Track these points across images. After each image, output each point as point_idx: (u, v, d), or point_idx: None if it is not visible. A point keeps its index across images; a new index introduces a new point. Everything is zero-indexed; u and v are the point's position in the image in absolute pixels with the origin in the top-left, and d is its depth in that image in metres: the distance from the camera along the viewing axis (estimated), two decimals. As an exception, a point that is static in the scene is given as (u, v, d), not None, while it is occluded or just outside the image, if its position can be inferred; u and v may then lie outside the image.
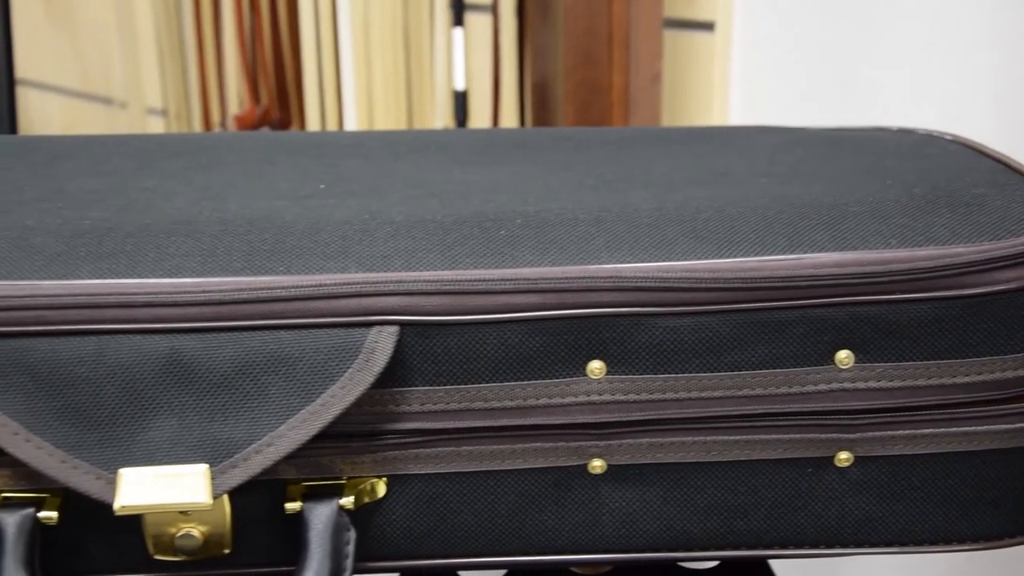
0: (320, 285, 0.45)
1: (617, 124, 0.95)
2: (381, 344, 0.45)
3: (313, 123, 1.21)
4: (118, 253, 0.46)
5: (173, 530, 0.47)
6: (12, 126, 1.36)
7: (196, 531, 0.47)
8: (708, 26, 1.00)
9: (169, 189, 0.54)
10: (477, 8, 1.07)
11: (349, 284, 0.45)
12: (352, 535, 0.46)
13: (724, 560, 0.51)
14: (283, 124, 1.33)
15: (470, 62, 1.07)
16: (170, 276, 0.45)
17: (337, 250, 0.47)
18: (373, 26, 1.14)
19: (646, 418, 0.47)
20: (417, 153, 0.61)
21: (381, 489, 0.47)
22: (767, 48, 0.99)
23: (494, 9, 1.05)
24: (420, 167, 0.58)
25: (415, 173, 0.57)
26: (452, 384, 0.46)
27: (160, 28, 1.56)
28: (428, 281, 0.45)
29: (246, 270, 0.46)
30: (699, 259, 0.46)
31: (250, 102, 1.33)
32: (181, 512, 0.46)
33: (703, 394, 0.47)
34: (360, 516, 0.47)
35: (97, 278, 0.45)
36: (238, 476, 0.44)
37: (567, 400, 0.46)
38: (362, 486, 0.47)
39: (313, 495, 0.46)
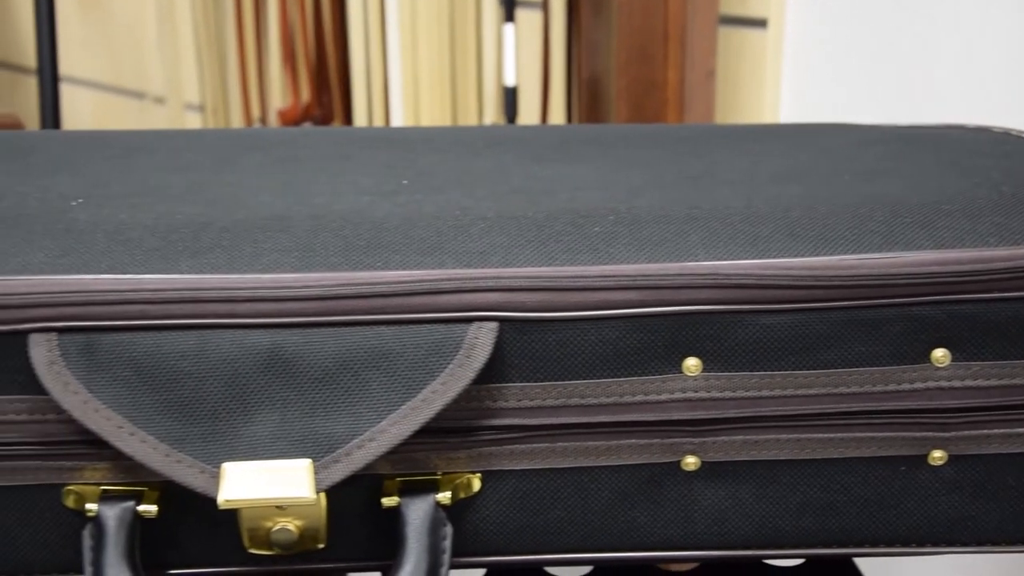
0: (420, 281, 0.45)
1: (671, 121, 0.95)
2: (481, 340, 0.45)
3: (360, 118, 1.21)
4: (215, 248, 0.46)
5: (269, 524, 0.47)
6: (56, 121, 1.36)
7: (292, 525, 0.47)
8: (761, 23, 1.00)
9: (253, 184, 0.54)
10: (526, 4, 1.07)
11: (449, 280, 0.45)
12: (449, 530, 0.46)
13: (812, 558, 0.51)
14: (325, 119, 1.33)
15: (518, 58, 1.07)
16: (268, 271, 0.45)
17: (432, 246, 0.47)
18: (420, 22, 1.14)
19: (741, 415, 0.47)
20: (493, 148, 0.62)
21: (476, 485, 0.47)
22: (819, 45, 0.99)
23: (544, 5, 1.05)
24: (499, 163, 0.58)
25: (495, 169, 0.57)
26: (549, 380, 0.46)
27: (198, 24, 1.57)
28: (527, 277, 0.45)
29: (343, 265, 0.46)
30: (795, 256, 0.46)
31: (293, 97, 1.33)
32: (278, 507, 0.46)
33: (799, 391, 0.47)
34: (454, 511, 0.47)
35: (196, 273, 0.45)
36: (340, 471, 0.44)
37: (663, 397, 0.47)
38: (458, 481, 0.47)
39: (409, 490, 0.46)
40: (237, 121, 1.57)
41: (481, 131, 0.66)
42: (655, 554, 0.49)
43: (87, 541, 0.45)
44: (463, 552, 0.48)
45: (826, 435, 0.47)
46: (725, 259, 0.46)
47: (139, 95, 1.99)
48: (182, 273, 0.45)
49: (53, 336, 0.44)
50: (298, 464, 0.44)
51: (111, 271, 0.45)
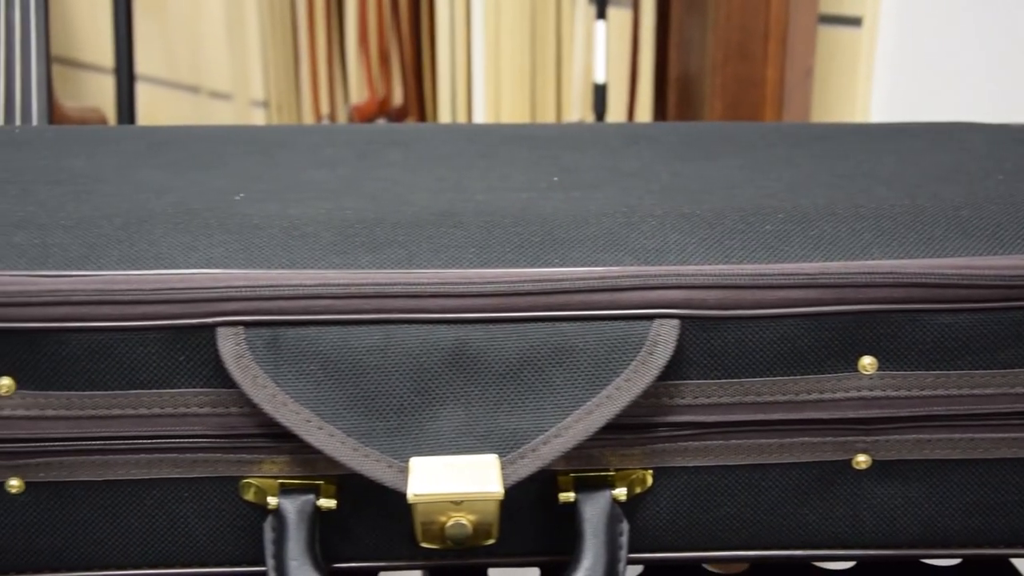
0: (602, 277, 0.45)
1: (769, 119, 0.95)
2: (664, 337, 0.45)
3: (444, 113, 1.21)
4: (393, 243, 0.46)
5: (443, 519, 0.47)
6: (131, 117, 1.37)
7: (466, 520, 0.47)
8: (855, 21, 1.00)
9: (408, 181, 0.55)
10: (616, 2, 1.07)
11: (630, 277, 0.45)
12: (625, 527, 0.46)
13: (972, 558, 0.51)
14: (400, 115, 1.33)
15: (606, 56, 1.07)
16: (448, 267, 0.46)
17: (608, 243, 0.47)
18: (504, 20, 1.14)
19: (915, 414, 0.47)
20: (631, 146, 0.62)
21: (648, 481, 0.47)
22: (912, 44, 0.99)
23: (635, 3, 1.05)
24: (642, 160, 0.59)
25: (642, 166, 0.57)
26: (726, 378, 0.46)
27: (265, 21, 1.57)
28: (708, 275, 0.45)
29: (521, 262, 0.46)
30: (971, 256, 0.46)
31: (370, 92, 1.33)
32: (453, 502, 0.46)
33: (974, 391, 0.47)
34: (627, 508, 0.47)
35: (377, 268, 0.45)
36: (527, 467, 0.44)
37: (838, 395, 0.47)
38: (633, 477, 0.47)
39: (585, 486, 0.46)
40: (306, 117, 1.57)
41: (613, 128, 0.66)
42: (821, 552, 0.49)
43: (268, 534, 0.45)
44: (635, 548, 0.48)
45: (999, 435, 0.47)
46: (901, 258, 0.46)
47: (194, 89, 2.00)
48: (362, 268, 0.45)
49: (240, 330, 0.44)
50: (485, 459, 0.44)
51: (293, 266, 0.45)
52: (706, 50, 0.97)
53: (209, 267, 0.45)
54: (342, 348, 0.44)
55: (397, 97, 1.33)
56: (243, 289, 0.44)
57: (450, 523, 0.47)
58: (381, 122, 1.35)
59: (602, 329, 0.45)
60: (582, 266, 0.46)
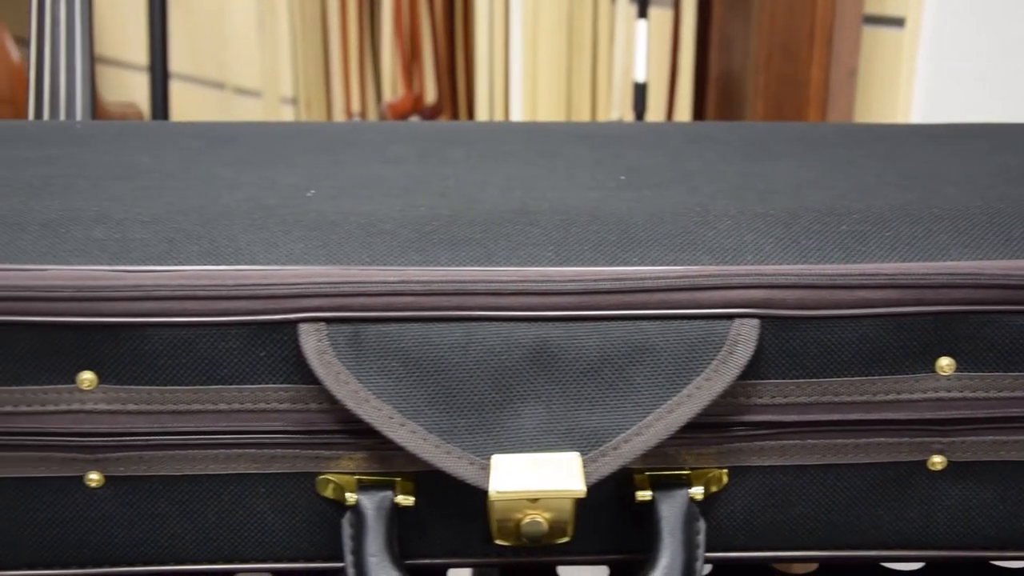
0: (682, 276, 0.45)
1: (813, 119, 0.95)
2: (744, 336, 0.45)
3: (481, 111, 1.21)
4: (470, 241, 0.47)
5: (519, 516, 0.47)
6: (165, 114, 1.37)
7: (541, 518, 0.47)
8: (898, 22, 1.00)
9: (474, 178, 0.55)
10: (656, 2, 1.07)
11: (711, 276, 0.45)
12: (702, 525, 0.46)
13: (1043, 559, 0.51)
14: (434, 112, 1.33)
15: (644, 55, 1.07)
16: (526, 265, 0.46)
17: (684, 242, 0.47)
18: (541, 19, 1.14)
19: (991, 415, 0.47)
20: (692, 145, 0.62)
21: (723, 480, 0.47)
22: (954, 44, 0.99)
23: (676, 3, 1.05)
24: (706, 160, 0.59)
25: (707, 166, 0.57)
26: (804, 378, 0.46)
27: (295, 19, 1.57)
28: (788, 275, 0.45)
29: (600, 260, 0.46)
30: (1050, 257, 0.46)
31: (405, 90, 1.34)
32: (530, 499, 0.46)
33: (1052, 393, 0.47)
34: (702, 507, 0.47)
35: (456, 265, 0.45)
36: (609, 465, 0.44)
37: (915, 396, 0.47)
38: (709, 476, 0.47)
39: (662, 485, 0.46)
40: (336, 115, 1.57)
41: (673, 128, 0.66)
42: (893, 553, 0.49)
43: (346, 530, 0.46)
44: (708, 548, 0.48)
45: (1075, 437, 0.47)
46: (980, 259, 0.46)
47: (218, 85, 2.00)
48: (442, 266, 0.45)
49: (322, 326, 0.44)
50: (567, 457, 0.44)
51: (373, 263, 0.45)
52: (749, 50, 0.97)
53: (290, 263, 0.45)
54: (423, 345, 0.44)
55: (430, 95, 1.34)
56: (325, 286, 0.44)
57: (526, 520, 0.47)
58: (415, 119, 1.35)
59: (682, 328, 0.45)
60: (659, 265, 0.46)
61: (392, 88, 1.37)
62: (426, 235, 0.47)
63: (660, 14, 1.07)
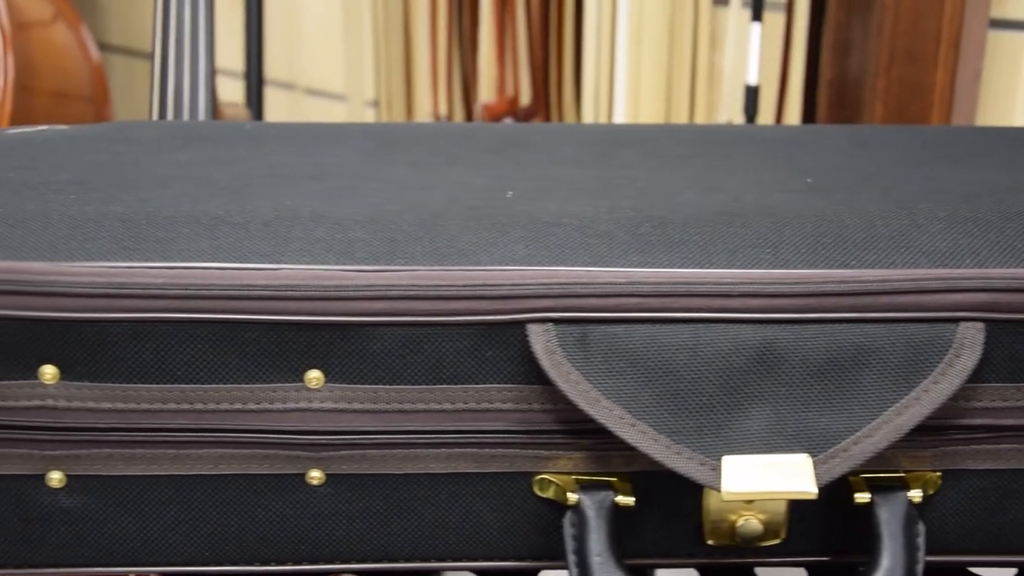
0: (908, 280, 0.45)
1: (936, 123, 0.94)
2: (970, 340, 0.45)
3: (588, 113, 1.21)
4: (688, 243, 0.47)
5: (734, 517, 0.47)
6: (259, 115, 1.38)
7: (756, 519, 0.47)
8: (1019, 25, 0.99)
9: (661, 180, 0.55)
10: (767, 5, 1.07)
11: (936, 279, 0.45)
12: (922, 528, 0.46)
13: None
14: (529, 114, 1.33)
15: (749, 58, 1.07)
16: (745, 267, 0.46)
17: (899, 245, 0.47)
18: (646, 21, 1.15)
19: None
20: (860, 149, 0.62)
21: (937, 483, 0.47)
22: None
23: (788, 7, 1.05)
24: (878, 162, 0.59)
25: (881, 168, 0.58)
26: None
27: (378, 21, 1.58)
28: (1013, 278, 0.45)
29: (818, 262, 0.46)
30: None
31: (500, 92, 1.34)
32: (747, 500, 0.46)
33: None
34: (919, 509, 0.47)
35: (678, 267, 0.46)
36: (840, 467, 0.44)
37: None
38: (926, 479, 0.47)
39: (879, 487, 0.46)
40: (419, 117, 1.58)
41: (835, 131, 0.66)
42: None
43: (568, 529, 0.46)
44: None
45: None
46: None
47: (288, 86, 2.01)
48: (661, 267, 0.46)
49: (550, 327, 0.45)
50: (798, 459, 0.44)
51: (595, 264, 0.46)
52: (868, 53, 0.97)
53: (512, 264, 0.45)
54: (651, 346, 0.45)
55: (524, 97, 1.34)
56: (554, 287, 0.45)
57: (741, 521, 0.47)
58: (508, 121, 1.35)
59: (907, 331, 0.45)
60: (876, 268, 0.46)
61: (487, 90, 1.37)
62: (641, 236, 0.47)
63: (770, 17, 1.07)
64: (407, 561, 0.48)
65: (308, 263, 0.45)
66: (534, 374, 0.45)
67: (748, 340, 0.45)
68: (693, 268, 0.45)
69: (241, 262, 0.45)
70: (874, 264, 0.46)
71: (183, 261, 0.45)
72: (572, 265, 0.45)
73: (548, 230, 0.47)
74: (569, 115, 1.35)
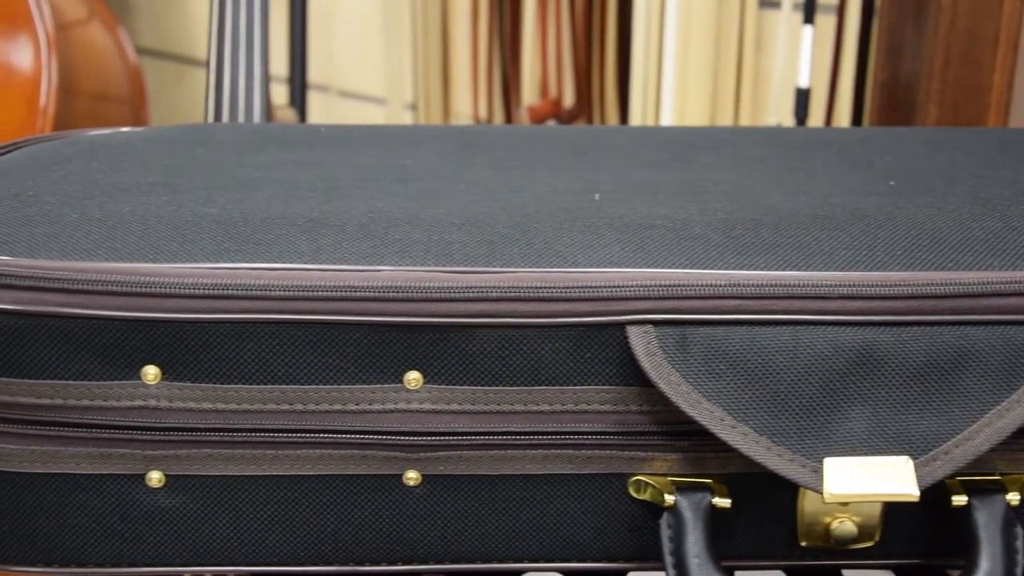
0: (1009, 282, 0.45)
1: (992, 125, 0.94)
2: (1071, 342, 0.45)
3: (635, 116, 1.22)
4: (782, 245, 0.47)
5: (828, 519, 0.47)
6: (303, 119, 1.38)
7: (851, 521, 0.47)
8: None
9: (748, 183, 0.55)
10: (817, 7, 1.07)
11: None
12: (1020, 532, 0.46)
13: None
14: (572, 117, 1.34)
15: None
16: (841, 269, 0.46)
17: (993, 247, 0.47)
18: (694, 24, 1.15)
19: None
20: (938, 152, 0.62)
21: (1032, 486, 0.47)
22: None
23: (840, 9, 1.05)
24: (957, 164, 0.59)
25: (965, 170, 0.58)
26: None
27: (417, 25, 1.58)
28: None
29: (915, 265, 0.46)
30: None
31: (544, 93, 1.34)
32: (841, 503, 0.46)
33: None
34: (1016, 512, 0.47)
35: (775, 269, 0.46)
36: (941, 469, 0.44)
37: None
38: (1022, 482, 0.47)
39: (976, 490, 0.46)
40: (456, 120, 1.58)
41: (909, 133, 0.66)
42: None
43: (665, 531, 0.46)
44: (1018, 553, 0.48)
45: None
46: None
47: (323, 88, 2.01)
48: (757, 269, 0.46)
49: (650, 328, 0.45)
50: (900, 461, 0.44)
51: (692, 266, 0.46)
52: (923, 55, 0.96)
53: (610, 266, 0.46)
54: (751, 348, 0.45)
55: (568, 98, 1.34)
56: (654, 288, 0.45)
57: (836, 524, 0.47)
58: (551, 123, 1.36)
59: (1007, 333, 0.45)
60: (972, 270, 0.46)
61: (529, 92, 1.37)
62: (735, 239, 0.47)
63: (820, 20, 1.07)
64: (500, 562, 0.48)
65: (407, 265, 0.45)
66: (632, 376, 0.45)
67: (848, 342, 0.45)
68: (790, 271, 0.45)
69: (341, 264, 0.45)
70: (971, 267, 0.46)
71: (284, 263, 0.45)
72: (669, 267, 0.46)
73: (643, 232, 0.48)
74: (611, 117, 1.35)
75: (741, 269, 0.46)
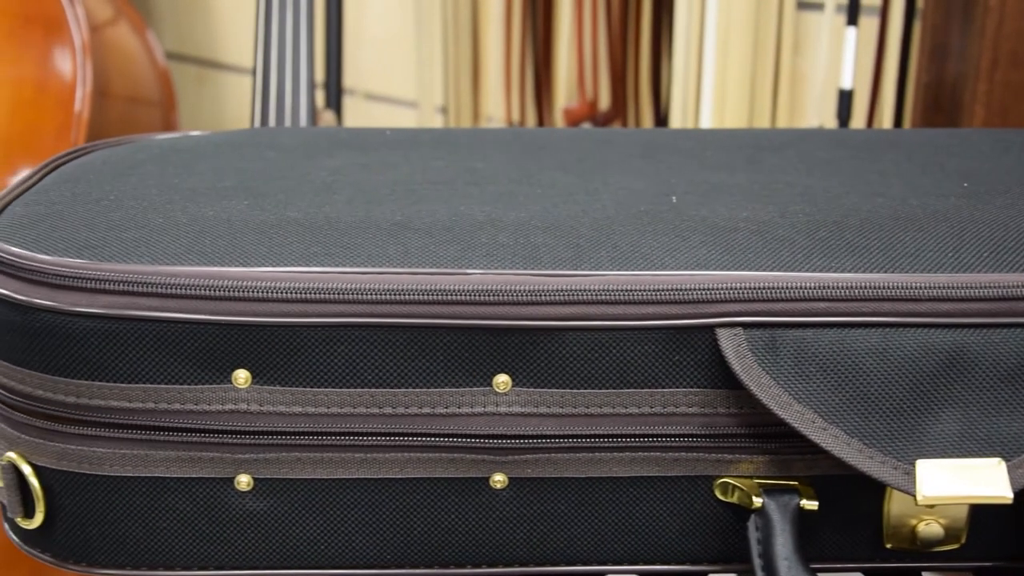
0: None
1: (1040, 126, 0.94)
2: None
3: (675, 118, 1.22)
4: (867, 247, 0.47)
5: (915, 522, 0.47)
6: (340, 123, 1.39)
7: (937, 523, 0.47)
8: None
9: (822, 184, 0.55)
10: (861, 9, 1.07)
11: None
12: (1108, 533, 0.46)
13: None
14: (608, 119, 1.34)
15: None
16: (929, 271, 0.46)
17: None
18: (733, 26, 1.15)
19: None
20: (1007, 153, 0.62)
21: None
22: None
23: (883, 11, 1.05)
24: (1006, 167, 0.59)
25: (1020, 170, 0.57)
26: None
27: (448, 28, 1.58)
28: None
29: (1002, 267, 0.46)
30: None
31: (581, 95, 1.34)
32: (929, 505, 0.46)
33: None
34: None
35: (861, 271, 0.46)
36: (1034, 471, 0.44)
37: None
38: (1109, 484, 0.47)
39: (1064, 492, 0.46)
40: (488, 122, 1.58)
41: (975, 134, 0.66)
42: None
43: (753, 533, 0.46)
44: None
45: None
46: None
47: (349, 92, 2.01)
48: (845, 271, 0.46)
49: (739, 331, 0.45)
50: (991, 463, 0.44)
51: (779, 268, 0.46)
52: (969, 56, 0.96)
53: (697, 268, 0.46)
54: (840, 350, 0.45)
55: (604, 100, 1.34)
56: (744, 291, 0.45)
57: (922, 526, 0.47)
58: (587, 125, 1.36)
59: (1098, 334, 0.45)
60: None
61: (564, 94, 1.37)
62: (820, 241, 0.47)
63: (863, 21, 1.06)
64: (585, 564, 0.48)
65: (496, 268, 0.45)
66: (720, 378, 0.45)
67: (937, 344, 0.45)
68: (878, 272, 0.46)
69: (430, 267, 0.45)
70: (1058, 267, 0.46)
71: (374, 267, 0.45)
72: (757, 270, 0.46)
73: (727, 235, 0.48)
74: (646, 119, 1.35)
75: (829, 271, 0.46)
